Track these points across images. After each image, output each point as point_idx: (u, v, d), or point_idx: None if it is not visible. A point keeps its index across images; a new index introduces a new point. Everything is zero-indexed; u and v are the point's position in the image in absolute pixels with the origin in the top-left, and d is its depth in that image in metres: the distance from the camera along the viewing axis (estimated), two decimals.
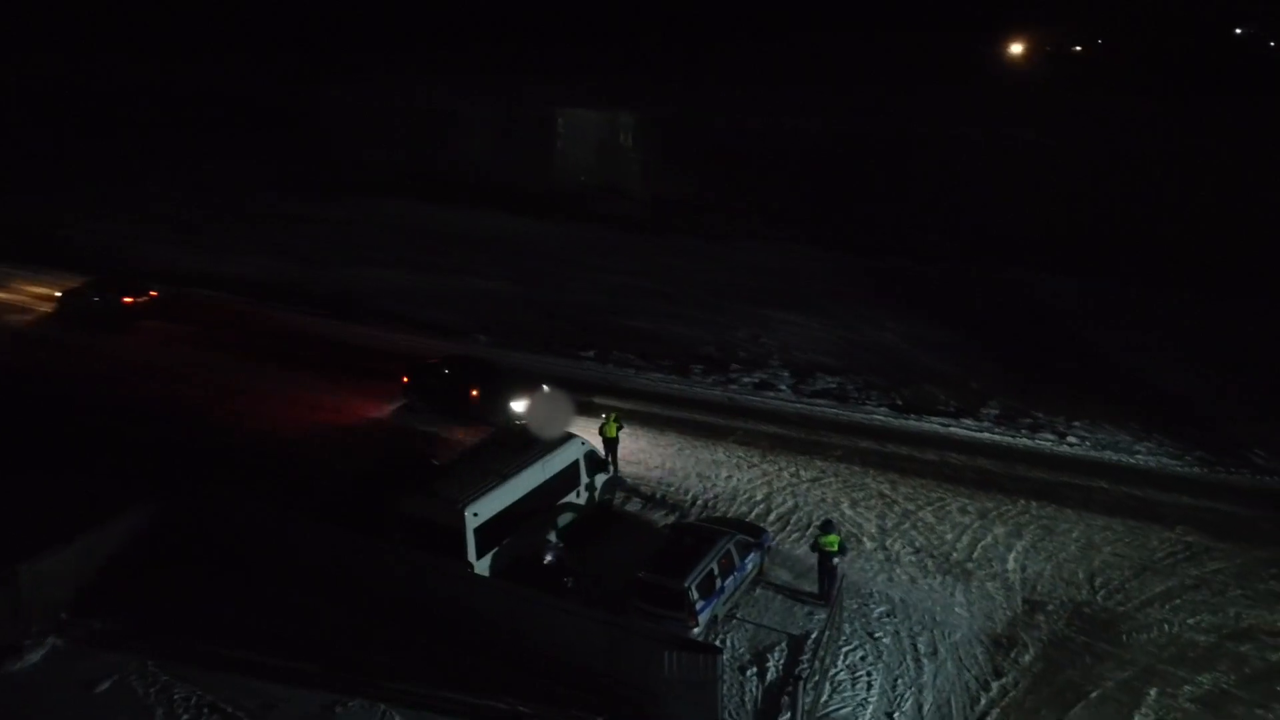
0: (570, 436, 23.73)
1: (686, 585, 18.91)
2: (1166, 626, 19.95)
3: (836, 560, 20.63)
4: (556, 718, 17.60)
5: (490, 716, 17.72)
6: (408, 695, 18.21)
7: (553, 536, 21.18)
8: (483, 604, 19.32)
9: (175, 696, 18.27)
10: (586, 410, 29.09)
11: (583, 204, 60.57)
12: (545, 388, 29.36)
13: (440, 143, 76.92)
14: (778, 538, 23.03)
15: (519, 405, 28.51)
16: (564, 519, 22.94)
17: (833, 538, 20.57)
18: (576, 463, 23.43)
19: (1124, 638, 19.67)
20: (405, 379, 30.71)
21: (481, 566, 20.59)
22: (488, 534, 20.73)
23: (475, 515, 20.50)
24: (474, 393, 29.04)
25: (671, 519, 24.05)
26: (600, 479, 24.25)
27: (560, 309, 40.50)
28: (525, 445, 23.07)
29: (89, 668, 19.01)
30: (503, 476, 21.60)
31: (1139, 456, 27.17)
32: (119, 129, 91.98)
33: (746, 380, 32.88)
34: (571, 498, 23.22)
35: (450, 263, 47.60)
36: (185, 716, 17.81)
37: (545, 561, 20.78)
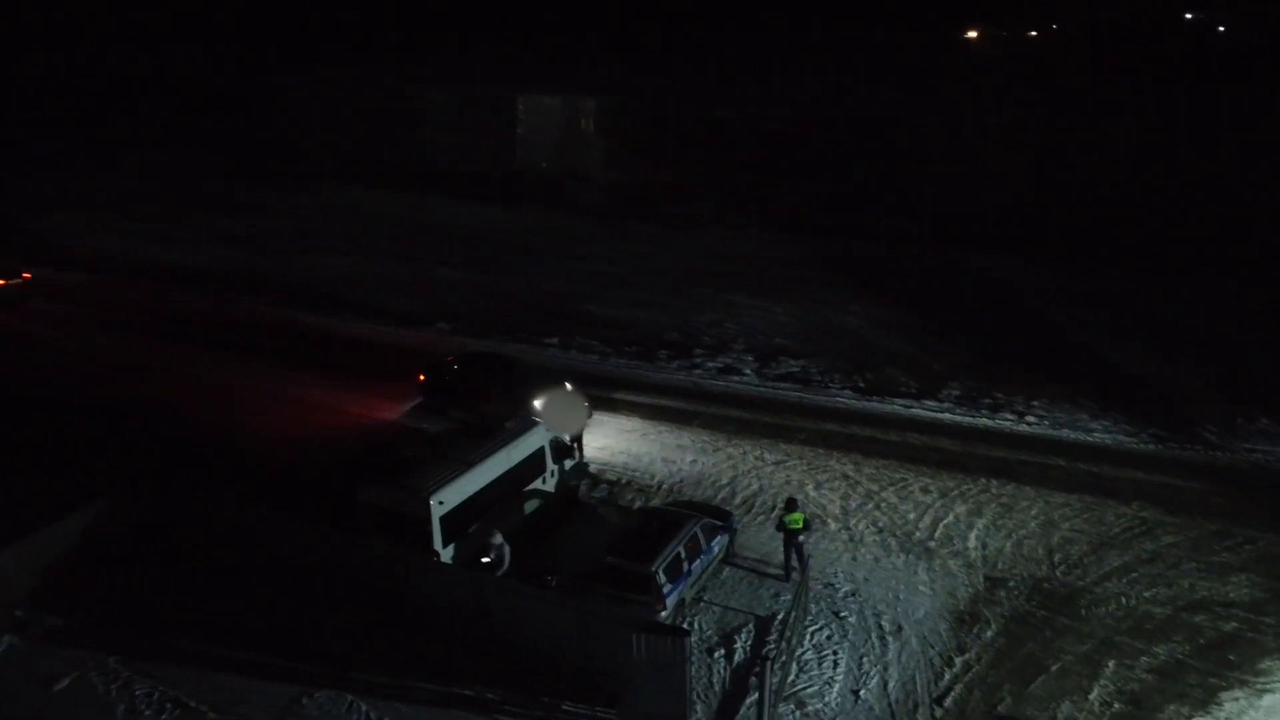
0: (534, 423, 23.67)
1: (653, 569, 18.98)
2: (1124, 600, 20.38)
3: (802, 538, 20.83)
4: (525, 704, 17.61)
5: (458, 704, 17.68)
6: (375, 685, 18.11)
7: (498, 538, 20.73)
8: (449, 592, 19.24)
9: (137, 693, 18.00)
10: (609, 406, 28.90)
11: (545, 191, 60.29)
12: (567, 385, 28.29)
13: (401, 130, 76.07)
14: (743, 520, 23.16)
15: (539, 403, 26.82)
16: (530, 506, 22.92)
17: (797, 515, 20.78)
18: (541, 449, 23.37)
19: (1083, 611, 20.06)
20: (421, 377, 29.64)
21: (447, 555, 20.50)
22: (454, 522, 20.63)
23: (441, 504, 20.38)
24: (493, 391, 27.67)
25: (638, 504, 24.10)
26: (566, 465, 24.23)
27: (523, 296, 40.33)
28: (490, 433, 22.97)
29: (47, 665, 18.68)
30: (468, 464, 21.49)
31: (1096, 434, 27.68)
32: (71, 117, 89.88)
33: (711, 365, 32.99)
34: (537, 484, 23.19)
35: (411, 250, 47.23)
36: (148, 713, 17.57)
37: (486, 560, 20.44)
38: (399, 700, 17.77)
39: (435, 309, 38.56)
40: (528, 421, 23.67)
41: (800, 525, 20.78)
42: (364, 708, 17.60)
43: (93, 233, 51.15)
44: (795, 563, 20.94)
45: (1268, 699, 17.59)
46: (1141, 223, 47.45)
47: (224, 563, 21.11)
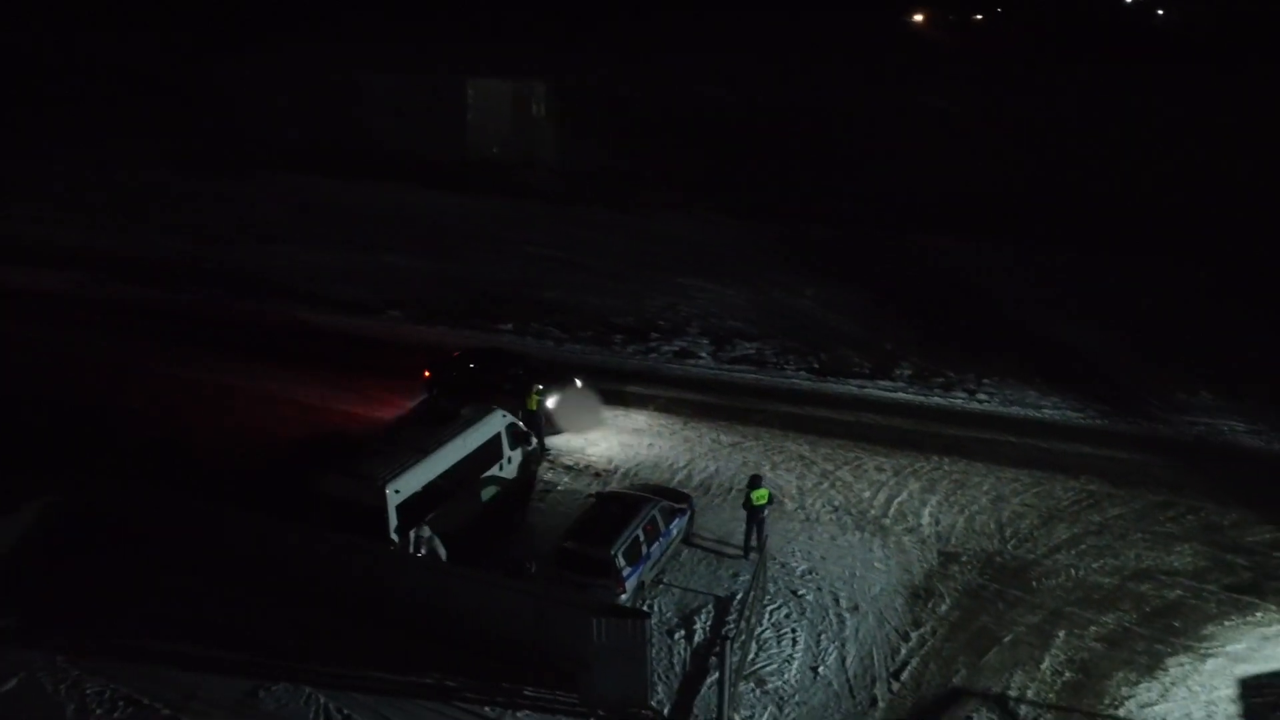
0: (491, 409, 23.52)
1: (612, 553, 18.99)
2: (1073, 571, 20.86)
3: (765, 513, 21.03)
4: (485, 690, 17.55)
5: (418, 693, 17.57)
6: (333, 677, 17.91)
7: (425, 531, 20.22)
8: (406, 582, 19.08)
9: (88, 691, 17.60)
10: (621, 400, 28.66)
11: (496, 177, 59.69)
12: (578, 381, 27.76)
13: (348, 116, 74.72)
14: (701, 502, 23.26)
15: (551, 400, 26.39)
16: (488, 493, 22.81)
17: (762, 492, 20.97)
18: (498, 435, 23.25)
19: (1034, 584, 20.49)
20: (427, 374, 28.23)
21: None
22: (410, 511, 20.45)
23: (396, 492, 20.20)
24: (502, 389, 26.50)
25: (596, 488, 24.08)
26: (523, 451, 24.12)
27: (475, 282, 39.98)
28: (446, 419, 22.78)
29: None
30: (423, 452, 21.31)
31: (1044, 410, 28.24)
32: (6, 104, 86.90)
33: (666, 349, 33.04)
34: (495, 471, 23.06)
35: (359, 238, 46.50)
36: (99, 711, 17.20)
37: (418, 554, 20.11)
38: (357, 691, 17.60)
39: (386, 297, 38.09)
40: (484, 408, 23.51)
41: (765, 501, 20.99)
42: (322, 699, 17.40)
43: (40, 225, 49.55)
44: (754, 541, 21.13)
45: (1211, 663, 18.14)
46: (1083, 202, 48.31)
47: (174, 557, 20.70)
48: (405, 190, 55.58)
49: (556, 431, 26.32)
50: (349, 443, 24.66)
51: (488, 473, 22.83)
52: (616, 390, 29.32)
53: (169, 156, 64.43)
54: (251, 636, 18.93)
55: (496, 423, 23.27)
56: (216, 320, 36.28)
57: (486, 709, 17.21)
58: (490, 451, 22.99)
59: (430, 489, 21.00)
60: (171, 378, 30.77)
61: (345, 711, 17.15)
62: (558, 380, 27.14)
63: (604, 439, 26.56)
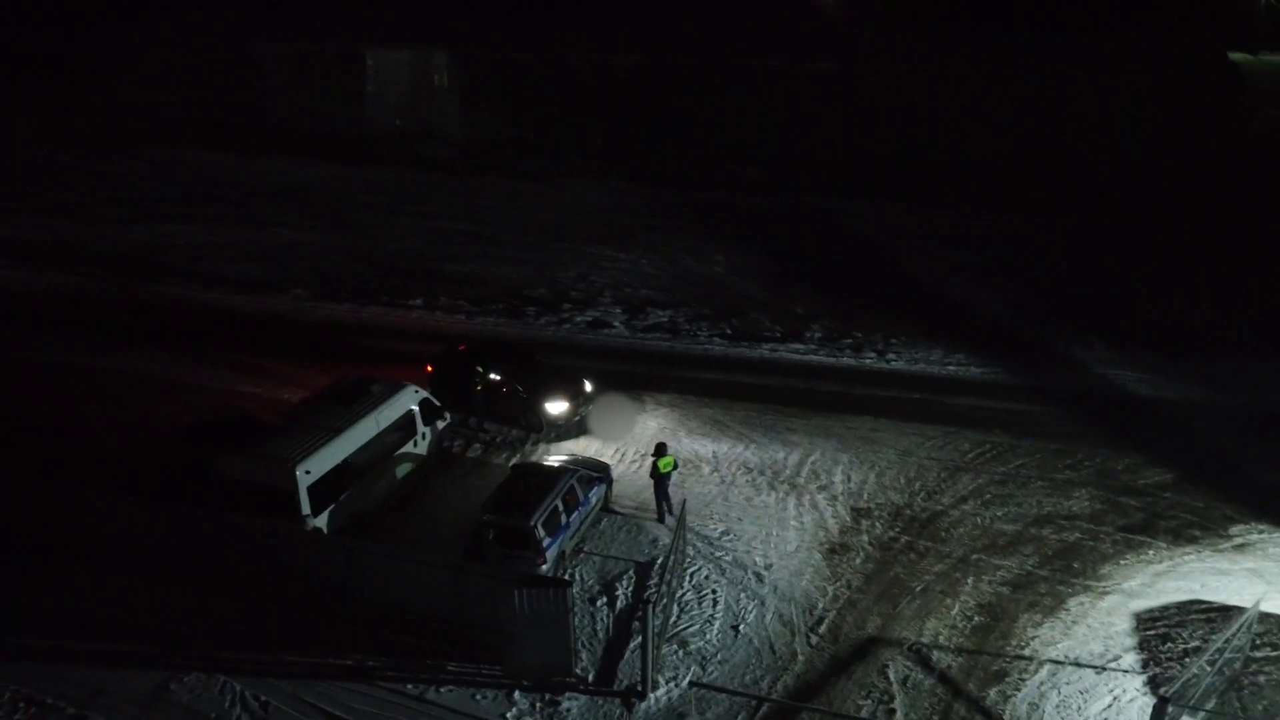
0: (403, 385, 23.10)
1: (532, 524, 18.91)
2: (979, 520, 21.63)
3: (671, 480, 21.29)
4: (408, 669, 17.35)
5: (338, 675, 17.27)
6: (248, 664, 17.49)
7: (310, 522, 19.76)
8: (319, 563, 18.67)
9: None
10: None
11: (398, 148, 58.25)
12: (587, 385, 26.07)
13: (238, 87, 71.82)
14: (619, 470, 23.31)
15: (555, 407, 24.85)
16: (402, 470, 22.44)
17: (668, 459, 21.18)
18: (411, 412, 22.87)
19: (942, 534, 21.19)
20: (430, 368, 26.29)
21: (319, 524, 19.87)
22: (322, 491, 20.00)
23: (307, 473, 19.71)
24: (506, 390, 25.19)
25: (513, 460, 23.91)
26: (438, 426, 23.78)
27: (380, 257, 39.07)
28: (357, 397, 22.28)
29: None
30: (334, 431, 20.82)
31: (949, 367, 29.08)
32: None
33: (580, 319, 32.89)
34: (409, 447, 22.69)
35: (256, 214, 44.93)
36: None
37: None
38: (275, 677, 17.22)
39: (288, 275, 36.94)
40: (396, 384, 23.08)
41: (671, 468, 21.20)
42: (237, 687, 16.98)
43: None
44: (666, 506, 21.35)
45: (1108, 600, 19.07)
46: (976, 162, 49.57)
47: (69, 552, 19.84)
48: (303, 164, 53.81)
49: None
50: (256, 425, 23.90)
51: (401, 450, 22.44)
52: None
53: (50, 133, 61.06)
54: (158, 628, 18.32)
55: (408, 399, 22.87)
56: (111, 303, 34.64)
57: (409, 686, 17.02)
58: (404, 428, 22.60)
59: (343, 468, 20.55)
60: (66, 365, 29.34)
61: (262, 698, 16.77)
62: (562, 381, 25.58)
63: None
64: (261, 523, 19.07)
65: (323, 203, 46.78)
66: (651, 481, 21.48)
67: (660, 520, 21.46)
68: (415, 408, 22.98)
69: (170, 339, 31.07)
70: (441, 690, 16.95)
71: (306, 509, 19.59)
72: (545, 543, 19.06)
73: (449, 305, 33.95)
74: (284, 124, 62.95)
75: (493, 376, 25.18)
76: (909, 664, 17.58)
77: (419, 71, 70.64)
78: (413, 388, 23.28)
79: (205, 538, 19.21)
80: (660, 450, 21.31)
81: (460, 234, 42.02)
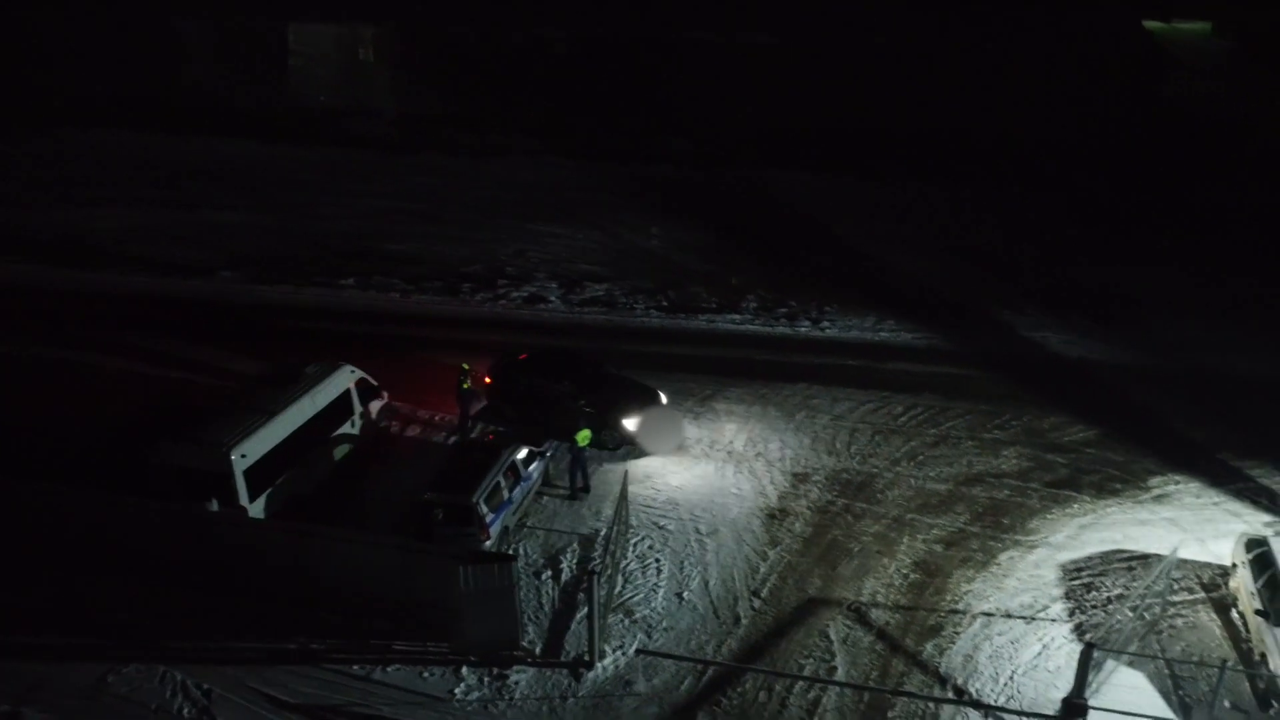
0: (338, 365, 22.84)
1: (474, 500, 18.93)
2: (912, 481, 22.22)
3: (586, 453, 21.73)
4: (355, 649, 17.32)
5: (284, 659, 17.16)
6: (189, 652, 17.28)
7: (214, 503, 19.37)
8: (261, 547, 18.45)
9: None
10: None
11: (326, 125, 57.04)
12: (662, 397, 24.48)
13: (157, 64, 69.53)
14: (560, 444, 23.38)
15: (631, 421, 23.27)
16: (340, 451, 22.25)
17: (584, 432, 21.57)
18: (348, 392, 22.64)
19: (878, 495, 21.74)
20: (488, 380, 24.61)
21: (256, 510, 19.65)
22: (259, 475, 19.74)
23: (243, 457, 19.43)
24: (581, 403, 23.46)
25: (453, 440, 23.85)
26: (375, 406, 23.59)
27: (312, 237, 38.35)
28: (291, 379, 21.98)
29: None
30: (269, 414, 20.53)
31: (882, 334, 29.67)
32: None
33: (516, 295, 32.78)
34: (346, 428, 22.49)
35: (182, 195, 43.72)
36: None
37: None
38: (218, 664, 17.04)
39: (218, 257, 36.10)
40: (331, 364, 22.81)
41: (587, 442, 21.60)
42: (179, 676, 16.77)
43: None
44: (580, 481, 21.78)
45: (1036, 553, 19.80)
46: (904, 134, 50.32)
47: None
48: (229, 143, 52.44)
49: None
50: (190, 410, 23.41)
51: (338, 431, 22.24)
52: (463, 339, 29.01)
53: None
54: (95, 620, 17.99)
55: (344, 379, 22.63)
56: (34, 291, 33.50)
57: (355, 667, 17.00)
58: (340, 409, 22.37)
59: (279, 451, 20.30)
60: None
61: (204, 686, 16.60)
62: (636, 394, 24.12)
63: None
64: (198, 509, 18.80)
65: (252, 182, 45.69)
66: (600, 454, 21.71)
67: (572, 497, 21.64)
68: (352, 388, 22.76)
69: (99, 326, 30.20)
70: (388, 669, 16.96)
71: (244, 494, 19.34)
72: (489, 518, 19.11)
73: (383, 284, 33.54)
74: (208, 101, 61.22)
75: (557, 388, 23.78)
76: (849, 623, 18.06)
77: (346, 46, 69.27)
78: (349, 368, 23.03)
79: (140, 526, 18.83)
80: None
81: (395, 212, 41.44)
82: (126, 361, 27.90)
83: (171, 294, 32.98)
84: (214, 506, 19.12)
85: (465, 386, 23.77)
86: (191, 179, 46.08)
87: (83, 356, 28.20)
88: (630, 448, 23.35)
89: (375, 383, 23.77)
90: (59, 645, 17.48)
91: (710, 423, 24.60)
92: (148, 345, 28.74)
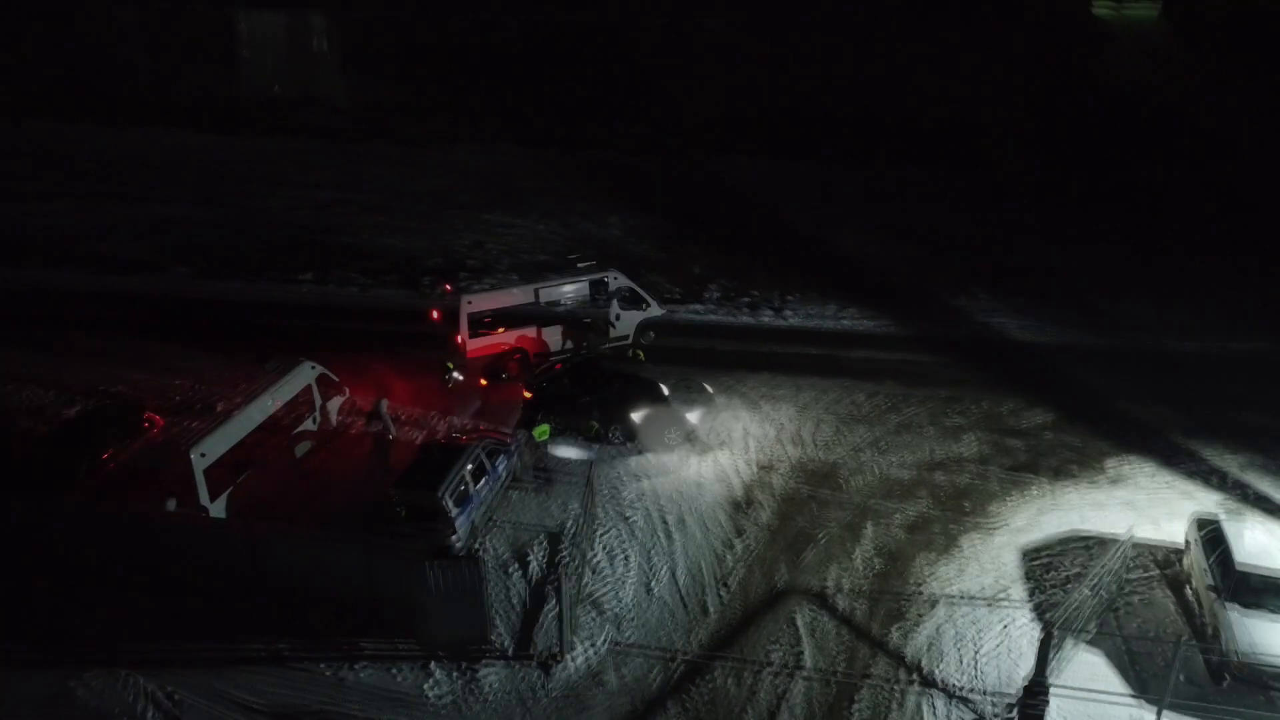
0: (299, 361, 22.52)
1: (440, 496, 18.81)
2: (875, 468, 22.48)
3: (548, 449, 21.95)
4: (321, 649, 17.13)
5: (249, 661, 16.93)
6: (153, 656, 16.96)
7: (172, 504, 19.09)
8: (220, 549, 18.16)
9: None
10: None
11: (276, 116, 56.04)
12: (707, 386, 24.86)
13: (98, 53, 67.65)
14: (524, 439, 23.27)
15: (694, 417, 23.43)
16: (302, 449, 21.97)
17: (543, 427, 21.85)
18: (309, 389, 22.34)
19: (842, 483, 21.95)
20: (527, 394, 23.86)
21: (217, 509, 19.34)
22: (220, 475, 19.42)
23: (203, 456, 19.10)
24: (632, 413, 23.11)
25: (419, 438, 23.61)
26: (336, 402, 23.31)
27: (264, 230, 37.71)
28: (251, 376, 21.64)
29: None
30: (228, 412, 20.20)
31: (843, 322, 29.96)
32: None
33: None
34: (307, 425, 22.20)
35: (126, 189, 42.68)
36: None
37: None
38: (184, 667, 16.76)
39: (168, 252, 35.34)
40: (291, 359, 22.48)
41: (546, 436, 21.84)
42: (141, 681, 16.46)
43: None
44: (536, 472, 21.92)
45: (997, 537, 20.14)
46: (858, 119, 50.77)
47: None
48: (174, 134, 51.30)
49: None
50: (141, 413, 22.95)
51: (300, 428, 21.95)
52: (426, 333, 28.69)
53: None
54: (54, 628, 17.58)
55: (305, 375, 22.33)
56: None
57: (322, 666, 16.83)
58: (301, 405, 22.08)
59: (240, 450, 19.98)
60: None
61: (169, 689, 16.33)
62: (692, 393, 24.36)
63: (421, 384, 26.01)
64: (154, 511, 18.44)
65: (198, 174, 44.78)
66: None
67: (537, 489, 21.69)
68: (313, 385, 22.46)
69: (41, 325, 29.40)
70: (357, 668, 16.81)
71: (204, 493, 19.02)
72: (455, 515, 19.00)
73: (340, 279, 33.10)
74: (151, 91, 59.80)
75: (596, 393, 23.54)
76: (815, 611, 18.24)
77: (295, 35, 68.04)
78: (309, 363, 22.71)
79: (93, 529, 18.40)
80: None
81: (348, 203, 40.92)
82: (68, 362, 27.12)
83: (117, 290, 32.23)
84: (172, 506, 18.79)
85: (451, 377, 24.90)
86: (136, 172, 45.04)
87: (32, 356, 27.45)
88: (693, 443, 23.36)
89: (336, 378, 23.48)
90: (17, 655, 17.04)
91: (675, 414, 24.60)
92: (95, 344, 28.03)
